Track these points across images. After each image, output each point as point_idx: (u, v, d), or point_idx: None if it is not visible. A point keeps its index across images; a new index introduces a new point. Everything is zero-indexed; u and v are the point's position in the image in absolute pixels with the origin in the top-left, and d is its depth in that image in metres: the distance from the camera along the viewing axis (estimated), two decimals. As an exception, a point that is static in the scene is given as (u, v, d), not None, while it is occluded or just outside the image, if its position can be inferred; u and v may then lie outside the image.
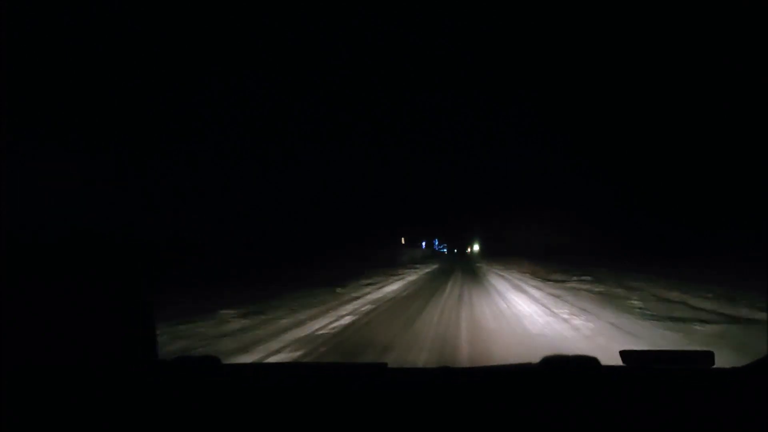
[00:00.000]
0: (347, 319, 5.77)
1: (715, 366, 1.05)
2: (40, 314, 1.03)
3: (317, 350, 4.06)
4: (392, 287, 10.72)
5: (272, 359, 3.73)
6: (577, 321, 5.23)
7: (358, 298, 8.29)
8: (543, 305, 6.69)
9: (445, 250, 79.20)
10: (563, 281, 10.41)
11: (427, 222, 57.01)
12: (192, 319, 5.40)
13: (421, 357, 3.70)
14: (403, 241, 41.90)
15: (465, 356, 3.75)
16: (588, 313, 5.73)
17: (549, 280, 10.95)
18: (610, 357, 1.16)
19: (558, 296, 7.74)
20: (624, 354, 1.10)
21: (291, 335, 4.73)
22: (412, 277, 14.75)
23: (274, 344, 4.29)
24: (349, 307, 6.93)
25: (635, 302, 6.53)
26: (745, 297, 5.93)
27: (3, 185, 0.93)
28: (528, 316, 5.75)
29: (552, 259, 18.17)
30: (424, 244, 55.77)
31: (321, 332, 4.90)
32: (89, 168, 1.12)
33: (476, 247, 62.51)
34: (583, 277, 10.38)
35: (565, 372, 1.03)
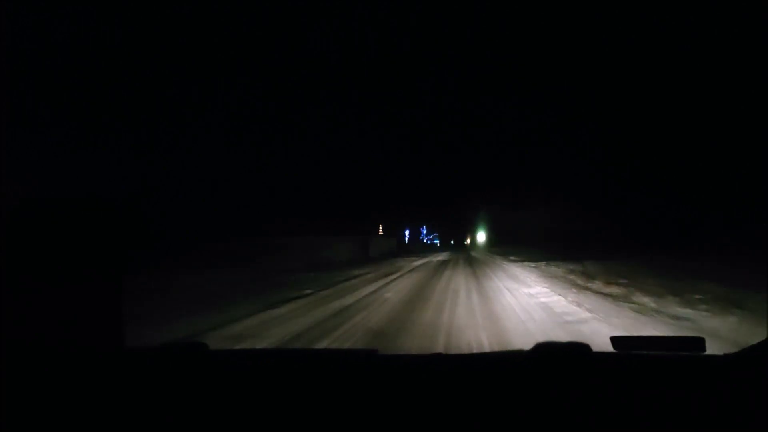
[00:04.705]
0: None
1: (706, 352, 1.05)
2: (23, 306, 0.99)
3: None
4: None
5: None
6: None
7: None
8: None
9: (436, 241, 67.21)
10: None
11: (413, 210, 52.26)
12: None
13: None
14: (380, 231, 38.68)
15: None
16: None
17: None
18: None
19: None
20: (615, 340, 1.10)
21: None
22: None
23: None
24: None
25: None
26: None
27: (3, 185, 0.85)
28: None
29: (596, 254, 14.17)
30: (407, 234, 50.50)
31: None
32: (87, 161, 1.08)
33: (480, 239, 54.08)
34: None
35: (557, 358, 1.04)
